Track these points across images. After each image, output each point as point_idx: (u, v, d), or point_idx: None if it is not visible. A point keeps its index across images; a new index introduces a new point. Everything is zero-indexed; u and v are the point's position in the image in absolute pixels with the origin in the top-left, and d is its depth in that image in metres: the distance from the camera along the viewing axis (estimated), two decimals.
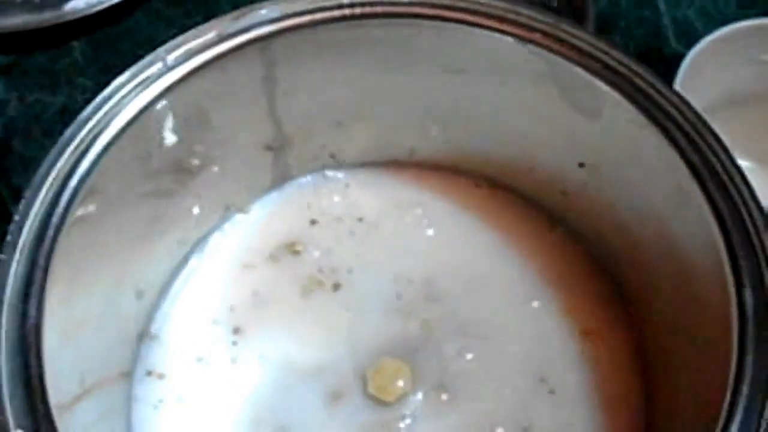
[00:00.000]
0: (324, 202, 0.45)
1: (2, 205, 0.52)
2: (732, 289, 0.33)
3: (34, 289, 0.32)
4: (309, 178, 0.46)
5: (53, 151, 0.35)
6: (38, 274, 0.33)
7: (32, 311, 0.32)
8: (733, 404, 0.32)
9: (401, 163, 0.46)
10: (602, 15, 0.58)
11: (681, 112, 0.36)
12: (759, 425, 0.32)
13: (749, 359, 0.32)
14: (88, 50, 0.59)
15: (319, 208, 0.45)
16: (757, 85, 0.51)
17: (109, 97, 0.36)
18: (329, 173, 0.46)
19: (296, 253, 0.44)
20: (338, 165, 0.46)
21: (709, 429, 0.32)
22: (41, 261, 0.33)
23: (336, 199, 0.46)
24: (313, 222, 0.45)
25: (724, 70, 0.51)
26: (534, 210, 0.45)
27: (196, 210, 0.43)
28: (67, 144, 0.35)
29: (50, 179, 0.34)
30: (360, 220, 0.45)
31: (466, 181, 0.46)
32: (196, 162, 0.41)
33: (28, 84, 0.58)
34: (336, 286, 0.44)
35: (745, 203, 0.34)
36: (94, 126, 0.36)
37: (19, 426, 0.30)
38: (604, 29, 0.57)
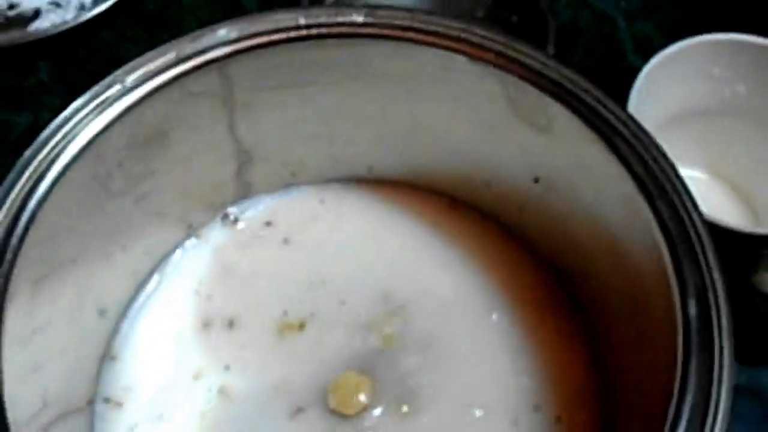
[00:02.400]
0: (285, 219, 0.46)
1: None
2: (677, 299, 0.34)
3: None
4: (271, 195, 0.47)
5: (12, 173, 0.35)
6: None
7: None
8: (679, 407, 0.33)
9: (361, 179, 0.47)
10: (563, 31, 0.59)
11: (628, 128, 0.37)
12: (703, 427, 0.33)
13: (693, 365, 0.33)
14: (54, 69, 0.60)
15: (280, 225, 0.46)
16: (708, 99, 0.53)
17: (68, 119, 0.37)
18: (291, 190, 0.47)
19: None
20: (299, 182, 0.47)
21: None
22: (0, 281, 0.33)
23: (296, 215, 0.46)
24: (273, 237, 0.46)
25: (678, 84, 0.52)
26: (492, 224, 0.46)
27: (157, 228, 0.43)
28: (26, 165, 0.36)
29: (9, 200, 0.35)
30: (320, 235, 0.46)
31: (425, 196, 0.47)
32: (156, 181, 0.41)
33: None
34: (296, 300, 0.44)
35: (689, 215, 0.35)
36: (53, 147, 0.36)
37: None
38: (565, 45, 0.58)
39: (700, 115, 0.54)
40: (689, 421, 0.32)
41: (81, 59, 0.60)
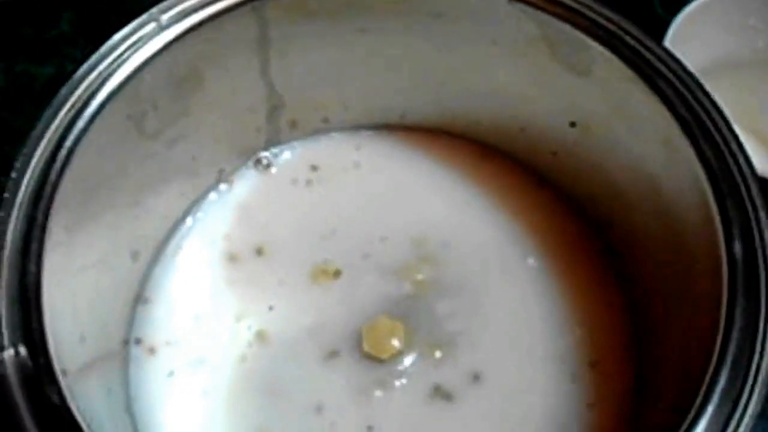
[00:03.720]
0: (317, 165, 0.46)
1: None
2: (721, 240, 0.34)
3: (34, 246, 0.32)
4: (303, 141, 0.46)
5: (49, 110, 0.35)
6: (37, 231, 0.33)
7: (32, 267, 0.32)
8: (723, 352, 0.32)
9: (393, 126, 0.47)
10: None
11: (670, 68, 0.37)
12: (747, 373, 0.32)
13: (739, 305, 0.32)
14: (77, 21, 0.59)
15: (312, 171, 0.45)
16: (741, 50, 0.52)
17: (104, 57, 0.36)
18: (322, 137, 0.46)
19: None
20: (330, 129, 0.46)
21: (699, 378, 0.33)
22: (40, 217, 0.33)
23: (329, 161, 0.46)
24: (308, 182, 0.45)
25: (710, 36, 0.51)
26: (525, 171, 0.46)
27: (190, 173, 0.43)
28: (63, 103, 0.35)
29: (47, 137, 0.34)
30: (352, 181, 0.45)
31: (457, 144, 0.46)
32: (190, 124, 0.41)
33: (16, 55, 0.58)
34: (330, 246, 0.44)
35: (733, 155, 0.35)
36: (89, 85, 0.36)
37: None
38: None
39: (732, 68, 0.53)
40: (734, 362, 0.32)
41: (103, 10, 0.59)
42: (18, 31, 0.58)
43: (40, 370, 0.31)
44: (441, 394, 0.41)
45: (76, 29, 0.59)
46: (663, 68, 0.37)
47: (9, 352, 0.31)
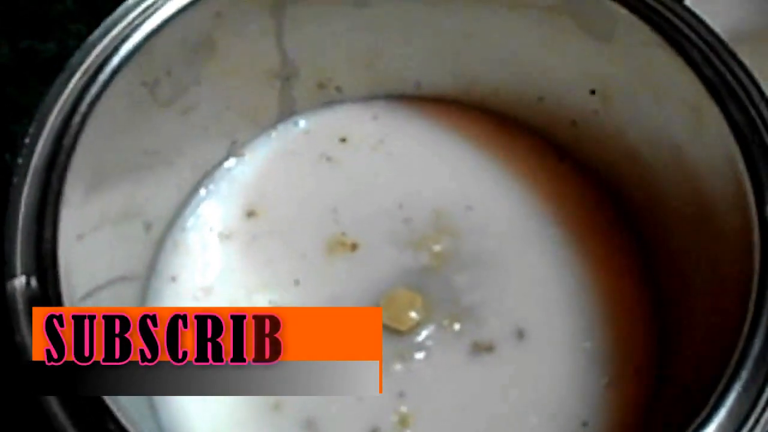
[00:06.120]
0: (331, 135, 0.45)
1: None
2: (753, 206, 0.33)
3: (49, 211, 0.32)
4: (316, 111, 0.45)
5: (62, 75, 0.34)
6: (52, 197, 0.32)
7: (47, 234, 0.31)
8: (755, 321, 0.32)
9: (407, 96, 0.46)
10: None
11: (695, 30, 0.36)
12: None
13: None
14: None
15: (327, 141, 0.45)
16: (759, 20, 0.51)
17: (117, 22, 0.36)
18: (336, 106, 0.45)
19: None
20: (344, 99, 0.46)
21: (728, 348, 0.32)
22: (55, 183, 0.32)
23: (344, 131, 0.45)
24: (323, 153, 0.45)
25: (727, 5, 0.50)
26: (543, 142, 0.45)
27: (202, 143, 0.42)
28: (76, 68, 0.35)
29: (60, 102, 0.34)
30: (368, 152, 0.45)
31: (473, 114, 0.46)
32: (203, 93, 0.40)
33: (21, 31, 0.57)
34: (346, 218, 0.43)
35: (762, 118, 0.34)
36: (102, 50, 0.35)
37: None
38: None
39: (749, 41, 0.52)
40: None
41: None
42: (22, 8, 0.57)
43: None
44: (462, 364, 0.40)
45: (79, 5, 0.58)
46: (688, 30, 0.36)
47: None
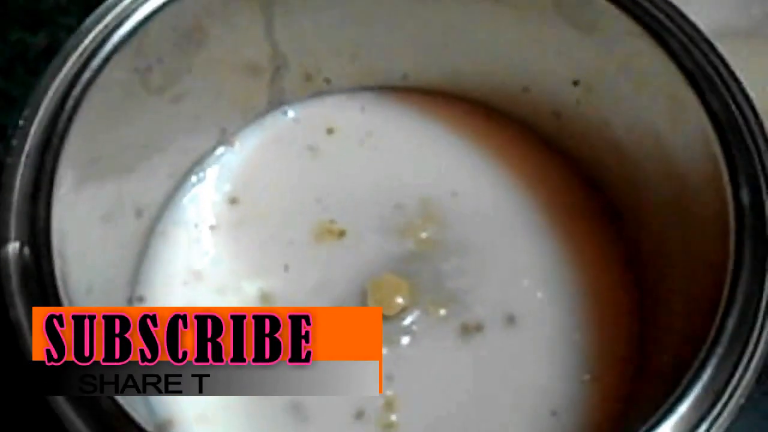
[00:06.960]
0: (319, 125, 0.46)
1: None
2: (728, 189, 0.34)
3: (43, 192, 0.32)
4: (305, 102, 0.46)
5: (57, 59, 0.35)
6: (46, 178, 0.33)
7: (41, 212, 0.32)
8: (730, 302, 0.32)
9: (394, 88, 0.47)
10: None
11: (675, 22, 0.37)
12: (753, 325, 0.32)
13: (747, 252, 0.33)
14: None
15: (315, 131, 0.45)
16: (736, 19, 0.52)
17: (110, 9, 0.36)
18: (325, 97, 0.46)
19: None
20: (332, 90, 0.46)
21: (707, 324, 0.33)
22: (48, 165, 0.33)
23: (332, 122, 0.46)
24: (311, 142, 0.45)
25: (703, 4, 0.51)
26: (528, 131, 0.46)
27: (193, 131, 0.43)
28: (70, 53, 0.35)
29: (54, 86, 0.34)
30: (356, 142, 0.45)
31: (459, 105, 0.46)
32: (193, 81, 0.41)
33: (11, 24, 0.57)
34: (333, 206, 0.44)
35: (740, 108, 0.35)
36: (96, 36, 0.36)
37: None
38: None
39: (725, 37, 0.53)
40: (742, 310, 0.32)
41: None
42: (13, 1, 0.58)
43: None
44: (446, 349, 0.40)
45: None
46: (669, 23, 0.37)
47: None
